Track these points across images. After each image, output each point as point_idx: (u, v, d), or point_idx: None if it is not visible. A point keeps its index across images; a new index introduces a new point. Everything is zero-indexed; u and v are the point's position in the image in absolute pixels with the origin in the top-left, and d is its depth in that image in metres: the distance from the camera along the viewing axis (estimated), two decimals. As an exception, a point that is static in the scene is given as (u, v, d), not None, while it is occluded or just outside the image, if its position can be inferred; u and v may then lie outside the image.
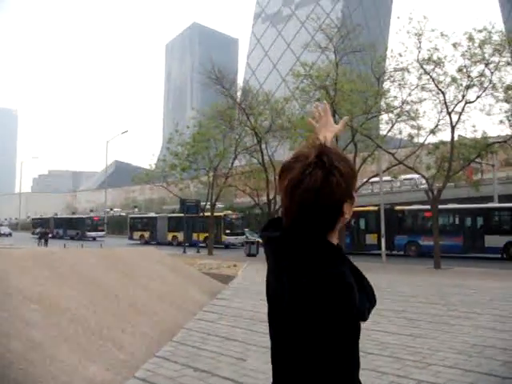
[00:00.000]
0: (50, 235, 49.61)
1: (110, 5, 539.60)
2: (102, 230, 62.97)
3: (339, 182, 1.56)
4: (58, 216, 78.62)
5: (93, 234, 60.51)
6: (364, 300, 1.69)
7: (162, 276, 13.72)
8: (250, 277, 18.60)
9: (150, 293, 11.20)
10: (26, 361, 5.53)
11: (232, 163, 37.89)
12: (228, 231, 45.86)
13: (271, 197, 33.60)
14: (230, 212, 50.51)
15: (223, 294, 13.79)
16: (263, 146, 33.95)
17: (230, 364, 6.76)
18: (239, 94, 38.31)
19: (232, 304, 11.99)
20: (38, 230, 57.85)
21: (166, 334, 8.52)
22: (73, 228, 64.49)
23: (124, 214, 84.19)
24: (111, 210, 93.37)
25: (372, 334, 8.51)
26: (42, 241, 43.62)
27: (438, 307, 11.64)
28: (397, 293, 14.22)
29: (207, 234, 41.86)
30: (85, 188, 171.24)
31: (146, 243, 49.73)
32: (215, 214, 39.65)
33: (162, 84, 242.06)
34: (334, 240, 1.68)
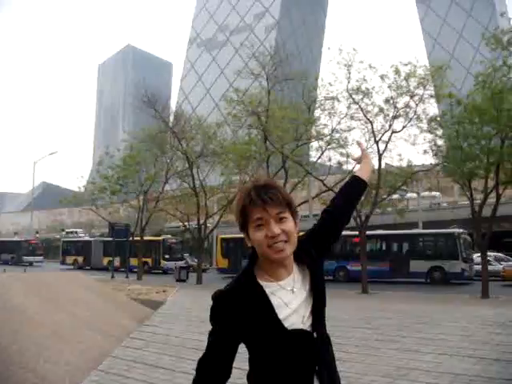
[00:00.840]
0: None
1: (41, 17, 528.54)
2: (41, 255, 59.17)
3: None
4: None
5: (30, 258, 56.29)
6: (258, 316, 2.00)
7: (89, 302, 13.36)
8: (180, 302, 18.39)
9: (76, 319, 10.87)
10: None
11: (163, 187, 37.58)
12: (167, 256, 44.91)
13: (202, 221, 33.48)
14: (169, 236, 49.53)
15: (151, 320, 13.54)
16: (194, 170, 33.87)
17: (155, 392, 6.63)
18: (172, 117, 38.18)
19: (160, 330, 11.79)
20: None
21: (91, 363, 8.26)
22: (7, 252, 60.01)
23: (58, 236, 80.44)
24: (37, 232, 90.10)
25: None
26: None
27: (364, 331, 11.87)
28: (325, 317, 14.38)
29: (145, 259, 41.38)
30: (9, 210, 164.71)
31: (80, 268, 47.65)
32: (154, 238, 39.10)
33: (93, 104, 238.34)
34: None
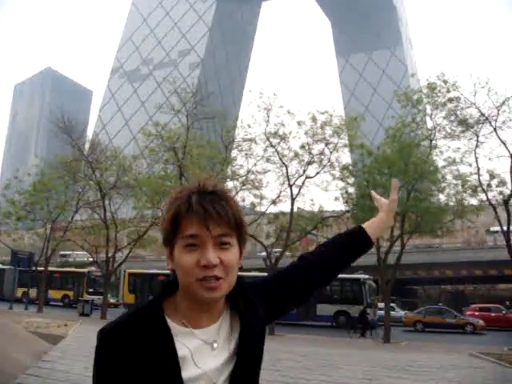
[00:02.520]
0: None
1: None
2: None
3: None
4: None
5: None
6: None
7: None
8: (81, 337, 17.70)
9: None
10: None
11: (72, 217, 36.38)
12: (91, 290, 41.57)
13: (110, 254, 32.64)
14: (93, 269, 46.29)
15: (50, 355, 12.92)
16: (107, 201, 33.12)
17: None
18: (87, 146, 37.27)
19: (59, 367, 11.26)
20: None
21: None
22: None
23: None
24: None
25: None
26: None
27: (271, 373, 11.86)
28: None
29: (66, 292, 39.57)
30: None
31: None
32: (78, 270, 37.47)
33: (5, 126, 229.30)
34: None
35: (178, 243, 1.36)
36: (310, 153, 26.89)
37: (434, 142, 24.63)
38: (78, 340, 16.85)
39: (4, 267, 48.03)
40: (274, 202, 28.67)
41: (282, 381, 10.76)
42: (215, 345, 1.39)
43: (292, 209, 27.21)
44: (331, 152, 26.80)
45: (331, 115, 26.46)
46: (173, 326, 1.37)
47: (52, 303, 40.02)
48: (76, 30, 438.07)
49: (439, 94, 24.05)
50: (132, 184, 32.39)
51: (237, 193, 29.56)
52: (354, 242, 1.80)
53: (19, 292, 41.80)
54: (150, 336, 1.34)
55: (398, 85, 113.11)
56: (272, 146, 27.24)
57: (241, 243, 1.43)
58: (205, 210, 1.33)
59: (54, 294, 41.48)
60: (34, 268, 38.01)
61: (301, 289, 1.71)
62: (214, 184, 1.41)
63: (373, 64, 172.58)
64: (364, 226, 1.82)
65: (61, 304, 40.03)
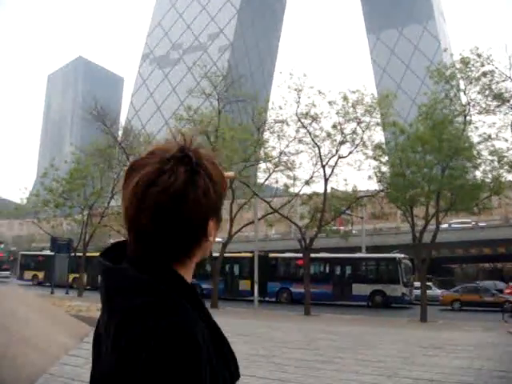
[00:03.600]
0: None
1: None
2: (7, 269, 51.54)
3: (207, 188, 1.11)
4: None
5: None
6: (221, 367, 1.12)
7: (25, 318, 13.00)
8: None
9: (10, 335, 10.56)
10: None
11: (109, 203, 37.00)
12: None
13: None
14: None
15: (91, 337, 13.24)
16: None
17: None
18: (121, 133, 37.73)
19: (100, 347, 11.57)
20: None
21: (26, 380, 8.06)
22: None
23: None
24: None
25: (241, 378, 8.59)
26: None
27: (305, 352, 12.01)
28: (268, 338, 14.50)
29: None
30: None
31: (40, 284, 45.03)
32: None
33: (40, 115, 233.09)
34: (187, 277, 1.17)
35: (215, 221, 1.19)
36: (342, 132, 26.66)
37: (468, 117, 24.16)
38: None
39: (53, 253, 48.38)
40: (307, 183, 28.61)
41: (318, 360, 10.87)
42: None
43: (325, 189, 27.12)
44: (363, 131, 26.52)
45: (363, 94, 26.15)
46: None
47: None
48: (105, 18, 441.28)
49: (473, 69, 23.54)
50: (166, 169, 32.66)
51: (270, 175, 29.62)
52: None
53: (71, 278, 41.31)
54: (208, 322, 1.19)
55: (430, 60, 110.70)
56: (304, 126, 27.11)
57: None
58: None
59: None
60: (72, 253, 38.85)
61: None
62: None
63: (405, 40, 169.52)
64: None
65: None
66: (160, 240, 1.10)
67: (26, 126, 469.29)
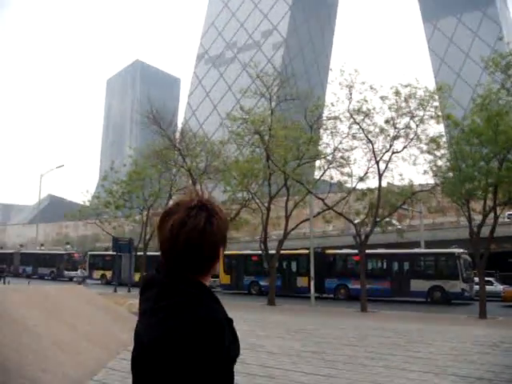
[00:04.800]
0: (5, 273, 42.56)
1: (52, 32, 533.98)
2: (83, 269, 51.52)
3: (219, 225, 1.68)
4: (25, 251, 65.51)
5: (72, 273, 50.20)
6: (233, 345, 1.69)
7: (89, 315, 13.66)
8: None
9: (76, 332, 11.17)
10: None
11: (167, 203, 37.88)
12: None
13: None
14: None
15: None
16: (198, 187, 34.25)
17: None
18: (178, 134, 38.56)
19: (157, 344, 12.05)
20: None
21: (87, 374, 8.57)
22: (46, 265, 55.40)
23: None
24: (42, 245, 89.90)
25: (290, 374, 8.87)
26: None
27: (356, 349, 12.13)
28: (320, 335, 14.68)
29: None
30: (15, 222, 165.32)
31: (108, 283, 45.83)
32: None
33: (101, 119, 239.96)
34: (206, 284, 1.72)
35: (222, 252, 1.76)
36: (396, 127, 26.39)
37: (526, 108, 23.47)
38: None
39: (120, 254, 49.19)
40: (361, 179, 28.49)
41: (367, 356, 10.98)
42: None
43: (380, 185, 26.95)
44: (417, 125, 26.19)
45: (416, 87, 25.82)
46: None
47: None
48: (161, 21, 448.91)
49: (531, 57, 22.89)
50: (221, 168, 33.24)
51: (324, 172, 29.67)
52: None
53: (136, 277, 42.47)
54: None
55: (491, 47, 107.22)
56: (356, 122, 27.00)
57: None
58: None
59: None
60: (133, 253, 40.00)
61: None
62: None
63: (463, 27, 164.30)
64: None
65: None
66: (191, 261, 1.66)
67: (89, 131, 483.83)
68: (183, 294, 1.63)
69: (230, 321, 1.71)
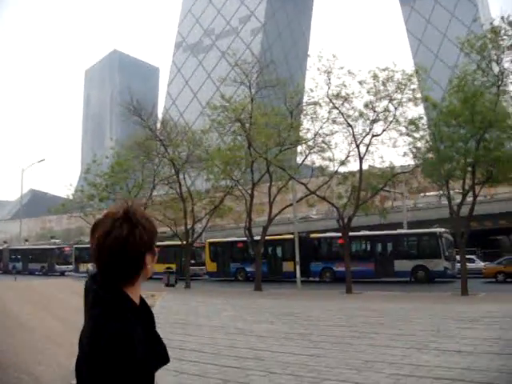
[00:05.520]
0: None
1: (28, 24, 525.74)
2: (71, 263, 53.16)
3: (142, 235, 1.79)
4: (14, 247, 64.87)
5: (63, 267, 51.42)
6: (151, 357, 1.83)
7: (79, 307, 13.81)
8: (168, 306, 18.94)
9: (67, 324, 11.36)
10: None
11: (151, 193, 37.98)
12: (193, 261, 39.95)
13: (189, 226, 33.99)
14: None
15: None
16: (181, 176, 34.39)
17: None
18: (158, 125, 38.48)
19: (147, 333, 12.31)
20: None
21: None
22: (36, 261, 54.81)
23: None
24: (26, 240, 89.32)
25: (278, 355, 9.18)
26: None
27: (342, 329, 12.49)
28: (306, 317, 15.03)
29: (169, 265, 41.15)
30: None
31: None
32: (177, 243, 37.59)
33: (80, 111, 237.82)
34: (134, 293, 1.85)
35: (151, 255, 1.87)
36: (375, 111, 26.72)
37: (502, 88, 23.91)
38: (165, 309, 18.06)
39: None
40: (342, 163, 28.82)
41: (353, 336, 11.34)
42: None
43: (361, 168, 27.31)
44: (396, 108, 26.53)
45: (393, 71, 26.12)
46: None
47: (155, 277, 41.10)
48: (137, 10, 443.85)
49: (505, 37, 23.25)
50: (204, 157, 33.35)
51: (306, 157, 29.93)
52: None
53: None
54: (143, 323, 1.85)
55: (468, 28, 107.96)
56: (336, 107, 27.28)
57: None
58: None
59: (156, 267, 41.93)
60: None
61: None
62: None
63: (440, 8, 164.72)
64: None
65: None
66: (116, 269, 1.78)
67: (68, 123, 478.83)
68: (104, 304, 1.76)
69: (151, 327, 1.93)
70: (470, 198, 25.80)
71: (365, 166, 28.18)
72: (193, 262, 39.35)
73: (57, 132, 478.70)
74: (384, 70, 25.95)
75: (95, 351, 1.67)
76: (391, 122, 26.72)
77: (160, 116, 44.91)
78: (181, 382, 7.43)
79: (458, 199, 26.58)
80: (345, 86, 26.72)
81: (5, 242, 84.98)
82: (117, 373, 1.63)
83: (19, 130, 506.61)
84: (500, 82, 23.65)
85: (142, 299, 1.96)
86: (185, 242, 34.25)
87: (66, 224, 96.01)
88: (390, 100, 26.39)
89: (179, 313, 16.90)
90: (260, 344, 10.39)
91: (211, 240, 44.23)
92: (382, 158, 28.32)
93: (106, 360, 1.64)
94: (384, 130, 27.06)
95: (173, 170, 34.67)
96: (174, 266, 41.51)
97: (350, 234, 28.96)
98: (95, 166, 37.88)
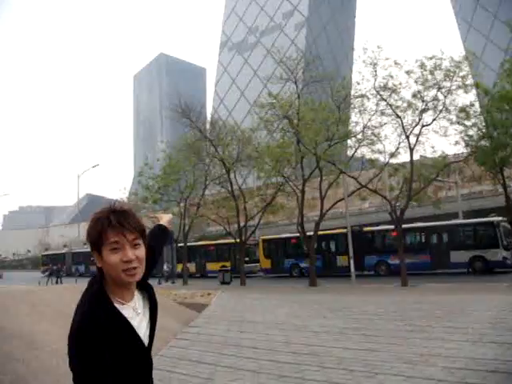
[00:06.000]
0: (62, 272, 44.30)
1: (77, 36, 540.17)
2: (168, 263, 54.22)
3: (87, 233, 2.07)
4: (77, 250, 65.66)
5: None
6: (118, 346, 1.95)
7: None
8: (223, 304, 19.26)
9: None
10: None
11: (202, 193, 38.54)
12: (247, 258, 40.20)
13: (242, 224, 34.34)
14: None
15: (196, 321, 14.41)
16: (232, 175, 34.77)
17: (198, 384, 7.46)
18: (208, 125, 38.95)
19: (204, 330, 12.64)
20: (46, 268, 51.36)
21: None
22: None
23: None
24: (84, 244, 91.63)
25: (332, 350, 9.28)
26: (52, 279, 39.84)
27: (396, 323, 12.46)
28: (361, 312, 15.03)
29: (224, 263, 42.00)
30: (57, 223, 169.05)
31: (153, 276, 45.20)
32: (232, 241, 38.21)
33: (131, 115, 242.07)
34: (111, 288, 2.04)
35: (105, 248, 2.00)
36: (423, 100, 26.33)
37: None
38: (220, 306, 18.39)
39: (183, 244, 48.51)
40: (392, 155, 28.51)
41: (407, 329, 11.31)
42: (139, 310, 2.13)
43: (412, 159, 26.96)
44: (445, 96, 26.07)
45: (441, 58, 25.68)
46: (116, 305, 2.02)
47: (210, 275, 41.48)
48: (180, 12, 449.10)
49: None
50: (254, 155, 33.61)
51: (355, 151, 29.75)
52: (161, 230, 2.80)
53: (178, 267, 43.03)
54: (112, 320, 1.95)
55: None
56: (383, 99, 27.03)
57: (145, 243, 2.11)
58: (121, 224, 2.01)
59: (211, 266, 43.28)
60: (174, 244, 40.79)
61: (151, 260, 2.38)
62: (122, 205, 2.12)
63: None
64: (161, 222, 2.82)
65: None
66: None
67: (120, 128, 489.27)
68: (84, 291, 2.06)
69: (122, 322, 2.00)
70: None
71: (416, 157, 27.85)
72: (247, 259, 39.72)
73: (110, 137, 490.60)
74: (431, 58, 25.54)
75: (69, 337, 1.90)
76: (441, 110, 26.27)
77: (209, 116, 45.36)
78: (237, 378, 7.64)
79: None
80: (391, 77, 26.45)
81: (65, 246, 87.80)
82: (79, 362, 1.85)
83: (75, 138, 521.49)
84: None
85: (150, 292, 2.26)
86: (238, 240, 34.65)
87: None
88: (439, 88, 25.95)
89: (235, 310, 17.17)
90: (314, 339, 10.51)
91: (264, 237, 44.52)
92: (433, 147, 27.86)
93: (70, 347, 1.88)
94: (434, 120, 26.62)
95: (223, 170, 35.09)
96: (228, 264, 42.16)
97: (404, 226, 28.62)
98: (147, 168, 38.75)
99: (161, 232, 2.79)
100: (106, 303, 1.97)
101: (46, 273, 45.72)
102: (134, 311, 2.09)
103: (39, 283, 34.72)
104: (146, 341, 2.13)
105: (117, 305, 2.01)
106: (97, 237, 2.01)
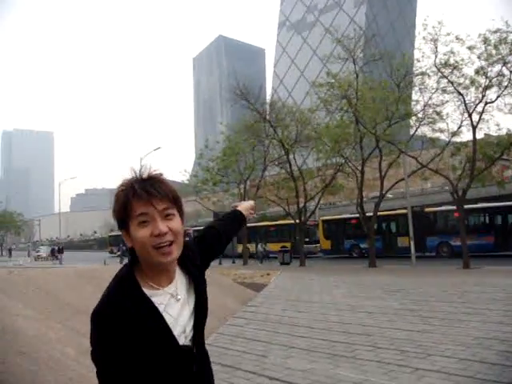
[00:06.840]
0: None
1: (140, 23, 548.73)
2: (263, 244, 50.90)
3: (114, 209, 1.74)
4: None
5: None
6: (142, 333, 1.68)
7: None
8: (282, 284, 19.54)
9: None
10: (79, 364, 6.53)
11: (262, 174, 38.81)
12: (307, 239, 40.02)
13: (302, 205, 34.44)
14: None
15: (254, 301, 14.72)
16: (291, 156, 34.83)
17: (252, 360, 7.70)
18: (267, 106, 39.06)
19: (261, 310, 12.92)
20: (117, 249, 52.62)
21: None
22: None
23: None
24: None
25: (385, 331, 9.34)
26: (123, 259, 40.07)
27: (453, 305, 12.33)
28: (419, 293, 14.93)
29: (284, 244, 42.47)
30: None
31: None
32: (291, 222, 38.75)
33: (191, 98, 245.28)
34: (144, 266, 1.75)
35: (132, 223, 1.69)
36: (487, 76, 25.48)
37: None
38: (279, 287, 18.67)
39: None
40: (454, 134, 27.82)
41: (465, 312, 11.19)
42: (179, 296, 1.78)
43: (474, 137, 26.22)
44: (511, 71, 25.17)
45: (506, 32, 24.73)
46: (148, 292, 1.71)
47: (271, 255, 40.99)
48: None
49: None
50: (313, 136, 33.56)
51: (416, 130, 29.21)
52: (238, 218, 2.49)
53: (239, 248, 43.57)
54: (136, 306, 1.66)
55: None
56: (444, 76, 26.34)
57: (181, 214, 1.80)
58: (147, 192, 1.68)
59: (272, 246, 43.18)
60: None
61: (218, 245, 2.24)
62: (149, 171, 1.77)
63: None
64: (238, 209, 2.54)
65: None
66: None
67: (182, 111, 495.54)
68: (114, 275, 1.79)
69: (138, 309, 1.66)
70: None
71: (479, 135, 27.07)
72: (307, 240, 39.85)
73: (172, 121, 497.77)
74: (496, 32, 24.64)
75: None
76: (506, 86, 25.36)
77: (268, 97, 45.38)
78: (290, 356, 7.84)
79: None
80: (453, 53, 25.70)
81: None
82: (95, 347, 1.66)
83: (138, 122, 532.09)
84: None
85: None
86: (298, 221, 34.80)
87: (184, 207, 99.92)
88: (504, 64, 25.03)
89: (292, 290, 17.39)
90: (369, 320, 10.58)
91: (324, 218, 44.54)
92: (498, 125, 26.99)
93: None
94: (498, 96, 25.76)
95: (282, 151, 35.21)
96: (288, 245, 42.45)
97: (467, 206, 27.98)
98: (207, 151, 39.34)
99: (237, 218, 2.50)
100: (131, 288, 1.68)
101: (119, 252, 47.52)
102: (174, 297, 1.76)
103: (104, 262, 35.93)
104: (188, 331, 1.79)
105: (147, 290, 1.70)
106: (122, 211, 1.71)
